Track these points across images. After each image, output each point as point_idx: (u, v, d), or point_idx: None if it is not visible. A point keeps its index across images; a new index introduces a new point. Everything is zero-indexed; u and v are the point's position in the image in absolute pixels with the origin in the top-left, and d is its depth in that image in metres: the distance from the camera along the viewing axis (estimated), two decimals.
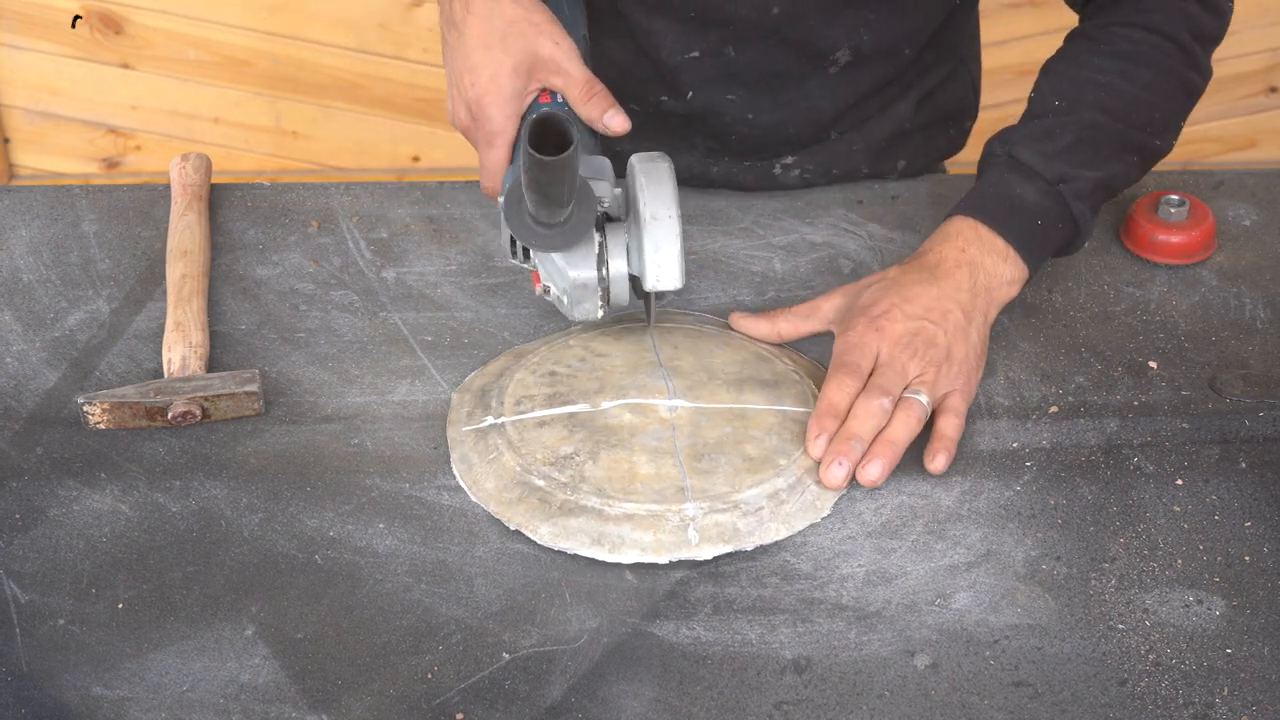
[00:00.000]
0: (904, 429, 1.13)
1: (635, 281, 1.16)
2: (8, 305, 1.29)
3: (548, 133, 1.04)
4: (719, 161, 1.45)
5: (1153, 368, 1.23)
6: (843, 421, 1.13)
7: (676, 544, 1.06)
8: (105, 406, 1.16)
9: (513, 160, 1.21)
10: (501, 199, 1.16)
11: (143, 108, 2.90)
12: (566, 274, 1.14)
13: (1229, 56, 2.90)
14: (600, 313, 1.16)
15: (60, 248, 1.35)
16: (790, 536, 1.08)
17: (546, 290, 1.17)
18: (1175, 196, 1.34)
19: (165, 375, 1.20)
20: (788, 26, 1.34)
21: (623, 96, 1.41)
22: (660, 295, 1.19)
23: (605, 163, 1.17)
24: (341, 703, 0.97)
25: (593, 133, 1.22)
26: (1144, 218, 1.34)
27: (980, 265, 1.22)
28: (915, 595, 1.04)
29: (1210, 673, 0.99)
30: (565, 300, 1.16)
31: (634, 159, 1.17)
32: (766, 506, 1.08)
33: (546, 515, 1.08)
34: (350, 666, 1.00)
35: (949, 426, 1.15)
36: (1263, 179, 1.45)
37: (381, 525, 1.09)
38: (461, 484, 1.12)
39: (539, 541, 1.08)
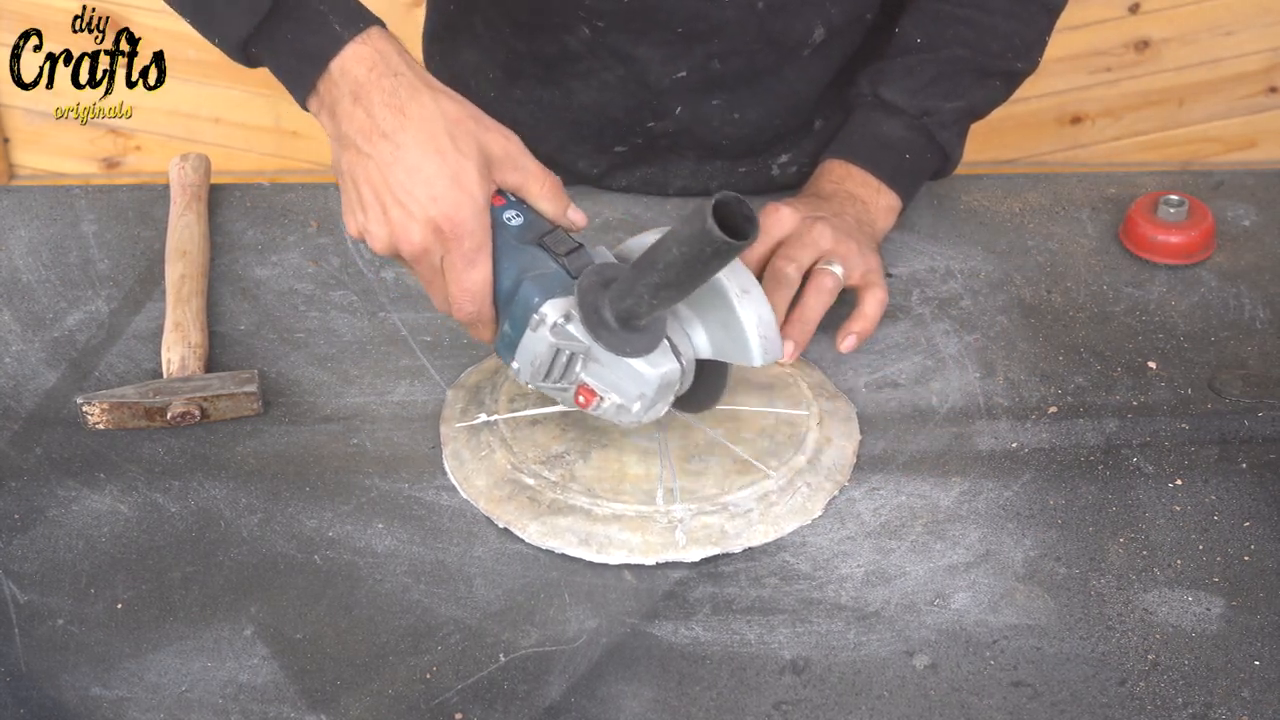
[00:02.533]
0: (816, 304, 1.17)
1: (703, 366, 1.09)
2: (7, 305, 1.29)
3: (725, 217, 0.94)
4: (714, 169, 1.44)
5: (1152, 368, 1.23)
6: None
7: (664, 545, 1.06)
8: (104, 407, 1.16)
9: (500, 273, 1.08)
10: (552, 319, 1.04)
11: (142, 108, 2.90)
12: (645, 376, 1.03)
13: (1229, 56, 2.90)
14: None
15: (59, 248, 1.35)
16: (786, 537, 1.08)
17: (599, 404, 1.06)
18: (1175, 196, 1.34)
19: (164, 375, 1.20)
20: (770, 19, 1.34)
21: (609, 133, 1.41)
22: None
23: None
24: (340, 703, 0.97)
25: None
26: (1143, 218, 1.34)
27: (855, 196, 1.28)
28: (914, 595, 1.04)
29: (1209, 673, 0.99)
30: (637, 406, 1.05)
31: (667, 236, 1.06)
32: (756, 509, 1.08)
33: (535, 514, 1.08)
34: (349, 666, 1.00)
35: (872, 302, 1.19)
36: (1263, 179, 1.45)
37: (380, 525, 1.09)
38: (453, 480, 1.12)
39: (527, 540, 1.08)
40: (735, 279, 1.06)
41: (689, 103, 1.38)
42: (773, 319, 1.06)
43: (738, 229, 0.94)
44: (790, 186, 1.44)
